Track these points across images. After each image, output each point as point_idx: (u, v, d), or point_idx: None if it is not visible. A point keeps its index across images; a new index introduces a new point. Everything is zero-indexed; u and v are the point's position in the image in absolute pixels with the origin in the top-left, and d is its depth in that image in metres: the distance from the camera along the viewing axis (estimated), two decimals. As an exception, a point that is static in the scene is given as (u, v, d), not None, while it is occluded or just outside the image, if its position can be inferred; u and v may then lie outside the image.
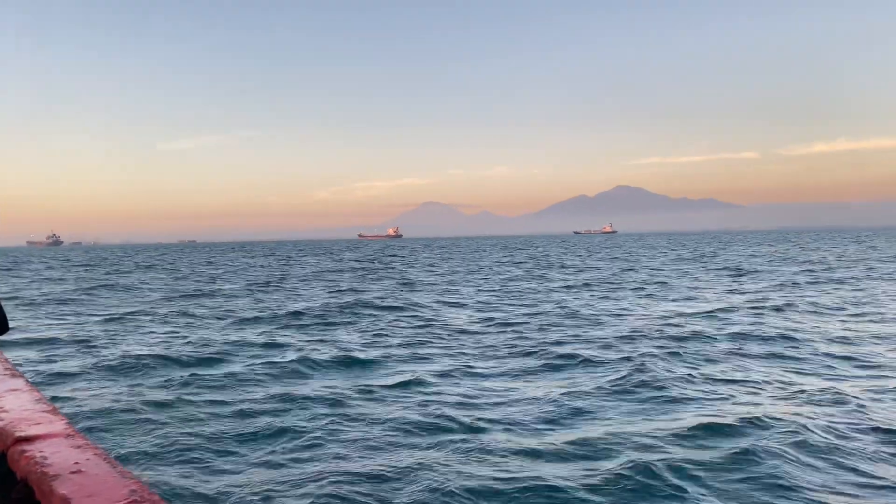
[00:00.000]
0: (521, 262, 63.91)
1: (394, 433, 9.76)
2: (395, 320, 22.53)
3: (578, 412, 10.65)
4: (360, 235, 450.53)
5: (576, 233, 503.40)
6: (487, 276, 44.61)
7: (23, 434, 1.83)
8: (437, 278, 43.84)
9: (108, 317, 24.82)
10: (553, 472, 8.01)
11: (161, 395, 12.29)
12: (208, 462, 8.82)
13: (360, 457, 8.80)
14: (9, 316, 3.04)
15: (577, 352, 15.58)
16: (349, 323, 22.15)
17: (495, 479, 7.86)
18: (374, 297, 29.68)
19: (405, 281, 41.22)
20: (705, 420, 9.83)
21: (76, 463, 1.60)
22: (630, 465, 8.05)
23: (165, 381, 13.52)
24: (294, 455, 8.94)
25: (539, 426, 9.98)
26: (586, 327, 19.89)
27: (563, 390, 11.95)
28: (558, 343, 16.99)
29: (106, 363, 15.29)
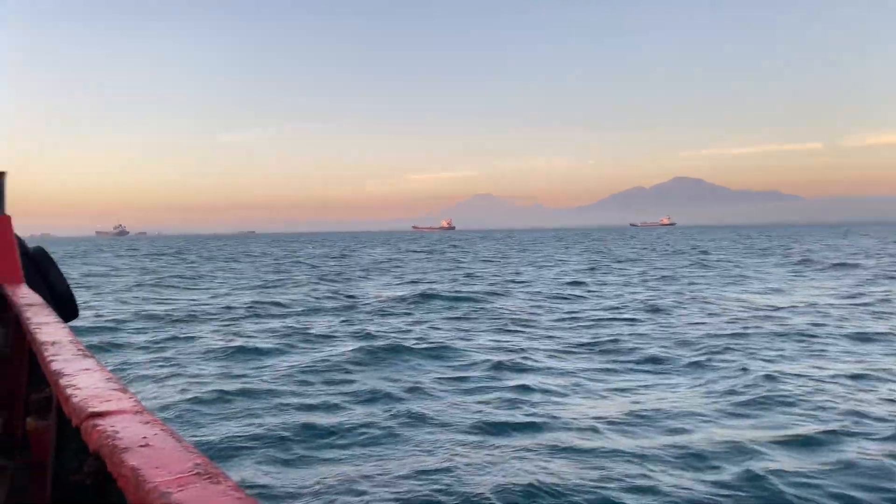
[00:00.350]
0: (622, 261, 52.75)
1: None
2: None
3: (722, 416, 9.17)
4: (414, 227, 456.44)
5: (632, 225, 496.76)
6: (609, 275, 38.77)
7: (95, 410, 1.90)
8: (539, 272, 41.20)
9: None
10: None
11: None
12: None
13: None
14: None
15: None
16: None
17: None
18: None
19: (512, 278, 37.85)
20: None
21: (144, 437, 1.65)
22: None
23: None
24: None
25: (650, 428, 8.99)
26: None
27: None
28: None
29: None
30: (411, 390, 11.41)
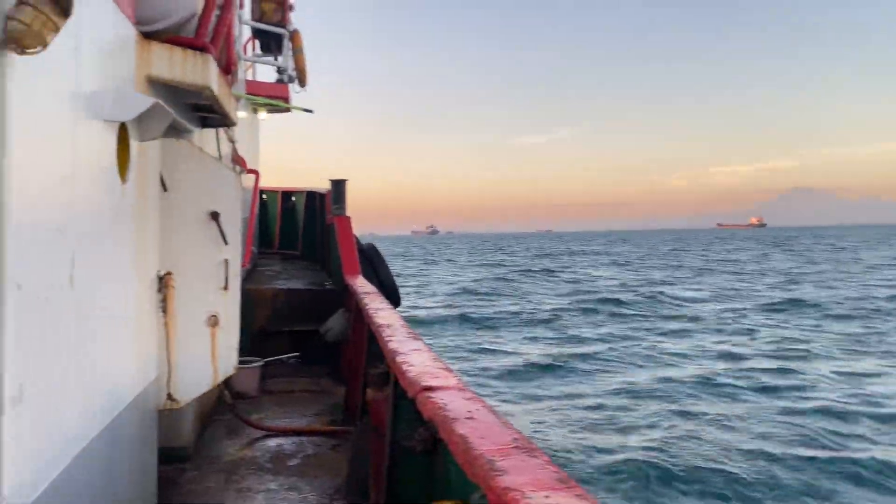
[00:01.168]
0: None
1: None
2: None
3: None
4: (718, 225, 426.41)
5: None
6: None
7: (427, 384, 2.22)
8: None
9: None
10: None
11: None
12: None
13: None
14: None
15: None
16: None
17: None
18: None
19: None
20: None
21: (469, 411, 1.88)
22: None
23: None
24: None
25: None
26: None
27: None
28: None
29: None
30: None
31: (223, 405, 5.37)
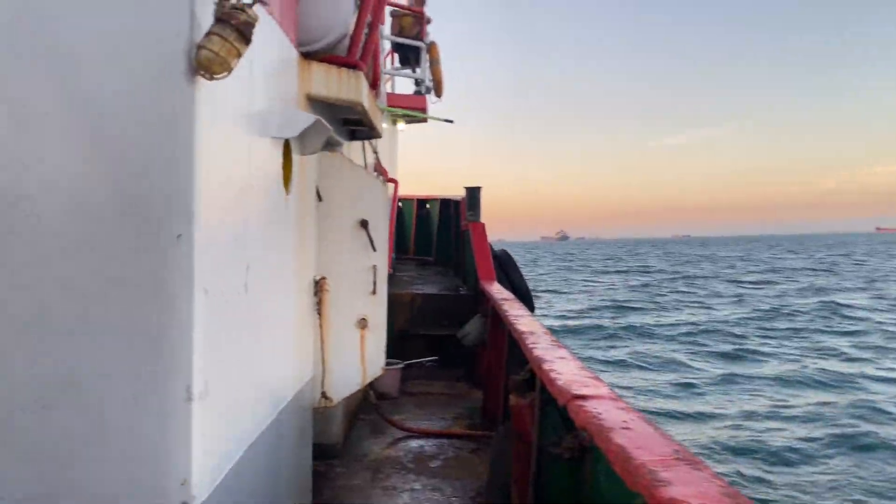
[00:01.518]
0: None
1: None
2: None
3: None
4: (877, 228, 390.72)
5: None
6: None
7: (579, 392, 2.20)
8: None
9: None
10: None
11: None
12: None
13: None
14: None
15: None
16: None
17: None
18: None
19: None
20: None
21: (624, 421, 1.84)
22: None
23: None
24: None
25: None
26: None
27: None
28: None
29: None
30: None
31: (368, 405, 5.60)
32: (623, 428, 1.82)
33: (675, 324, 23.47)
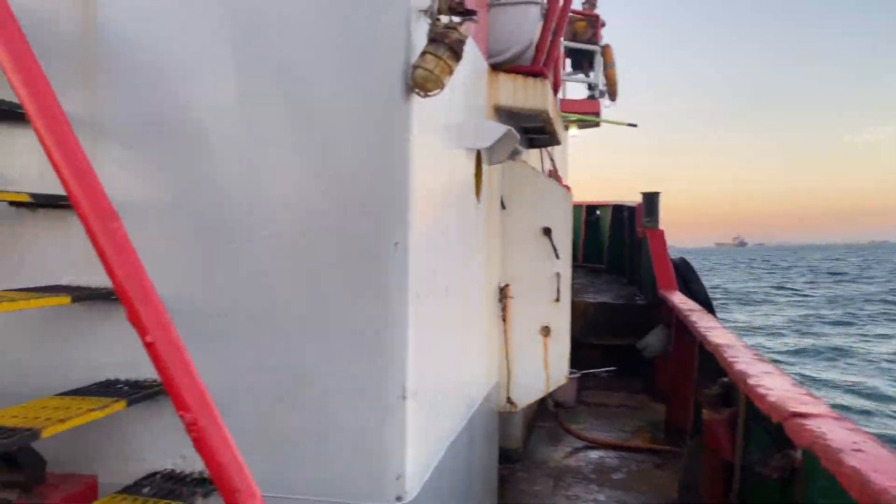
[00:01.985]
0: None
1: None
2: None
3: None
4: None
5: None
6: None
7: (797, 410, 2.05)
8: None
9: None
10: None
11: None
12: None
13: None
14: None
15: None
16: None
17: None
18: None
19: None
20: None
21: (854, 442, 1.72)
22: None
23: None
24: None
25: None
26: None
27: None
28: None
29: None
30: None
31: (546, 412, 5.59)
32: (854, 450, 1.69)
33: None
